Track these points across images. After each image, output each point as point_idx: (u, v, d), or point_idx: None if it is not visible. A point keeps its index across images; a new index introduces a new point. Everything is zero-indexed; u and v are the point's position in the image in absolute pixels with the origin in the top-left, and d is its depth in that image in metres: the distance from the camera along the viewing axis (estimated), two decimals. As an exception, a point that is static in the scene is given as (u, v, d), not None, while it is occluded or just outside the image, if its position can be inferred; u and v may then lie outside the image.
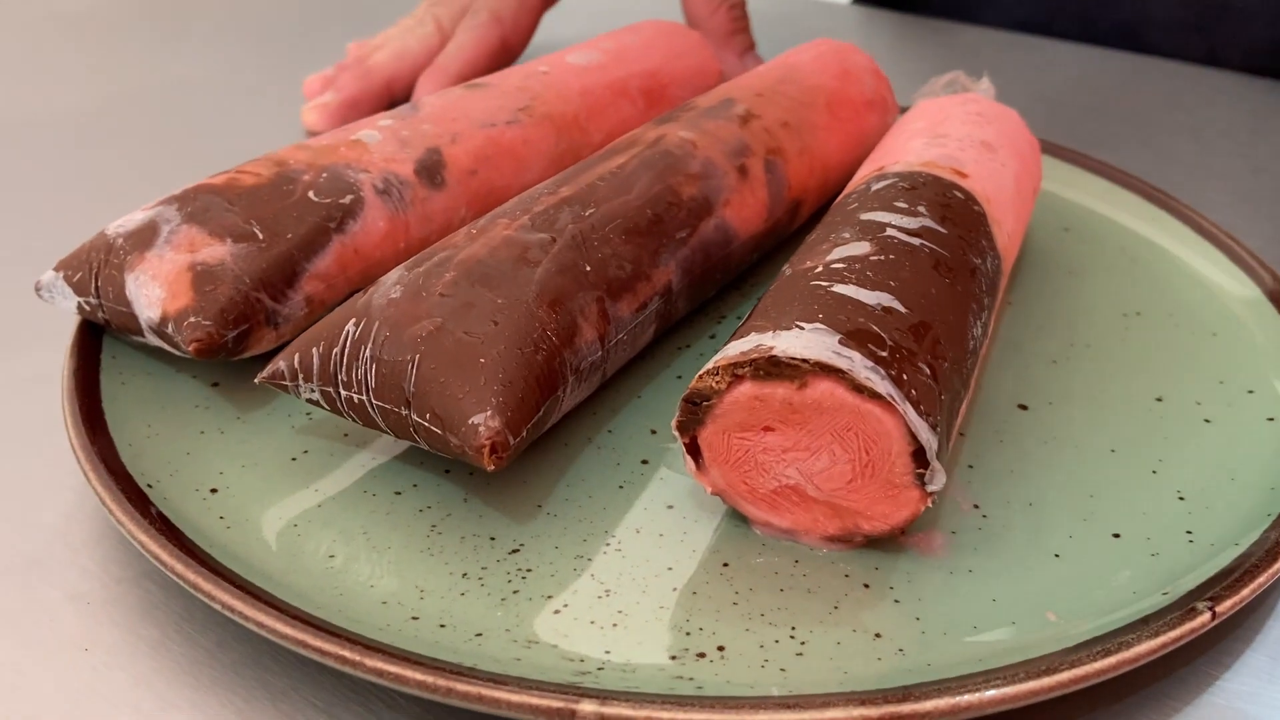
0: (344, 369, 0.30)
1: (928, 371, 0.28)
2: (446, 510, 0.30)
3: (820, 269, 0.31)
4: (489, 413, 0.28)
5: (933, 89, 0.47)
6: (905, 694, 0.24)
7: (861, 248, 0.32)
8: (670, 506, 0.31)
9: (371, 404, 0.30)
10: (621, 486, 0.31)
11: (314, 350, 0.30)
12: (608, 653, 0.26)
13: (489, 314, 0.30)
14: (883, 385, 0.27)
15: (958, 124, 0.40)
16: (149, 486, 0.30)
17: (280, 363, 0.31)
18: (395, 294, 0.30)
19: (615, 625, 0.27)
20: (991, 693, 0.24)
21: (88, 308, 0.34)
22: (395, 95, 0.57)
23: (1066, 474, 0.32)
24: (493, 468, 0.28)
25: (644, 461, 0.32)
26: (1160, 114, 0.62)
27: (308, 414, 0.34)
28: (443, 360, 0.29)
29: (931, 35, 0.73)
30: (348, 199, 0.36)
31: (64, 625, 0.29)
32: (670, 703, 0.24)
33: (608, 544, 0.29)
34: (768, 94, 0.43)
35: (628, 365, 0.36)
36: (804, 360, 0.27)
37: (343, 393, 0.30)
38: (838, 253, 0.32)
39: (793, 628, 0.27)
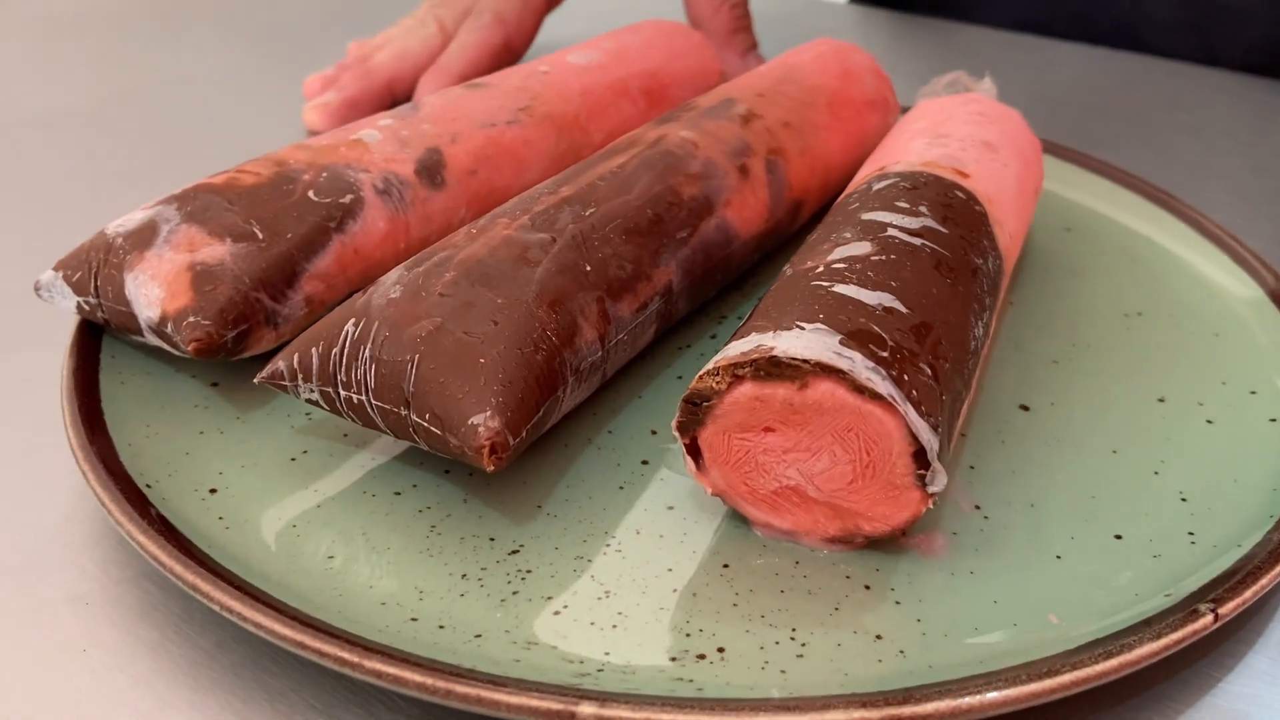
0: (343, 369, 0.30)
1: (929, 372, 0.28)
2: (446, 511, 0.30)
3: (821, 269, 0.31)
4: (488, 413, 0.28)
5: (934, 89, 0.46)
6: (906, 696, 0.24)
7: (862, 248, 0.32)
8: (670, 507, 0.31)
9: (371, 404, 0.30)
10: (622, 487, 0.31)
11: (313, 350, 0.30)
12: (607, 654, 0.26)
13: (489, 314, 0.30)
14: (884, 386, 0.27)
15: (959, 124, 0.40)
16: (148, 487, 0.30)
17: (279, 363, 0.31)
18: (395, 294, 0.30)
19: (615, 626, 0.27)
20: (993, 695, 0.24)
21: (87, 307, 0.34)
22: (397, 95, 0.57)
23: (1068, 475, 0.32)
24: (492, 468, 0.28)
25: (644, 462, 0.32)
26: (1161, 114, 0.61)
27: (307, 414, 0.34)
28: (442, 360, 0.29)
29: (932, 35, 0.72)
30: (348, 199, 0.36)
31: (63, 626, 0.28)
32: (670, 705, 0.24)
33: (608, 545, 0.29)
34: (769, 94, 0.43)
35: (628, 365, 0.36)
36: (805, 361, 0.27)
37: (342, 393, 0.30)
38: (839, 253, 0.32)
39: (793, 629, 0.27)
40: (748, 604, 0.28)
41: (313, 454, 0.32)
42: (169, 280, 0.33)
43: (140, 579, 0.30)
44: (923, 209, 0.34)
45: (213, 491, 0.30)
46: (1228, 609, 0.26)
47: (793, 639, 0.27)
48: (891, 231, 0.32)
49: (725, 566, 0.29)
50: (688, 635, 0.27)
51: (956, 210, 0.34)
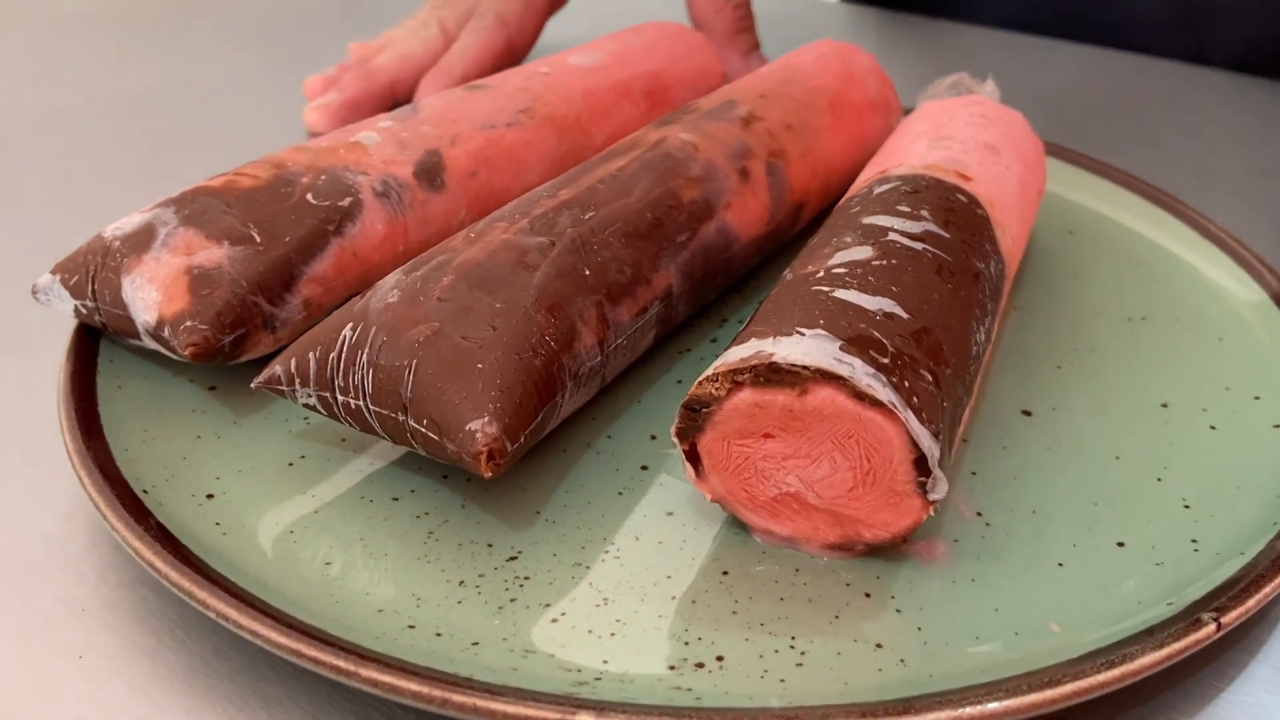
0: (341, 374, 0.30)
1: (930, 378, 0.28)
2: (444, 516, 0.30)
3: (821, 274, 0.31)
4: (486, 419, 0.28)
5: (937, 90, 0.46)
6: (906, 706, 0.24)
7: (863, 252, 0.31)
8: (670, 513, 0.30)
9: (368, 409, 0.29)
10: (621, 493, 0.31)
11: (311, 355, 0.30)
12: (605, 662, 0.26)
13: (487, 318, 0.30)
14: (884, 392, 0.26)
15: (961, 126, 0.40)
16: (144, 492, 0.30)
17: (277, 367, 0.31)
18: (392, 298, 0.30)
19: (613, 634, 0.27)
20: (994, 705, 0.24)
21: (84, 311, 0.34)
22: (398, 97, 0.57)
23: (1070, 481, 0.32)
24: (490, 474, 0.27)
25: (644, 467, 0.32)
26: (1163, 115, 0.61)
27: (305, 419, 0.33)
28: (440, 365, 0.28)
29: (931, 36, 0.72)
30: (346, 201, 0.36)
31: (58, 631, 0.28)
32: (668, 714, 0.24)
33: (606, 551, 0.29)
34: (770, 95, 0.42)
35: (628, 369, 0.36)
36: (804, 367, 0.27)
37: (339, 398, 0.30)
38: (839, 257, 0.31)
39: (793, 637, 0.27)
40: (747, 611, 0.27)
41: (310, 459, 0.32)
42: (166, 284, 0.33)
43: (136, 584, 0.30)
44: (924, 213, 0.33)
45: (209, 497, 0.30)
46: (1230, 618, 0.26)
47: (792, 647, 0.26)
48: (893, 236, 0.32)
49: (725, 573, 0.29)
50: (686, 643, 0.26)
51: (958, 214, 0.34)
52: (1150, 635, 0.26)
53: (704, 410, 0.28)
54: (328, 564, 0.28)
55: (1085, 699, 0.24)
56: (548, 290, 0.31)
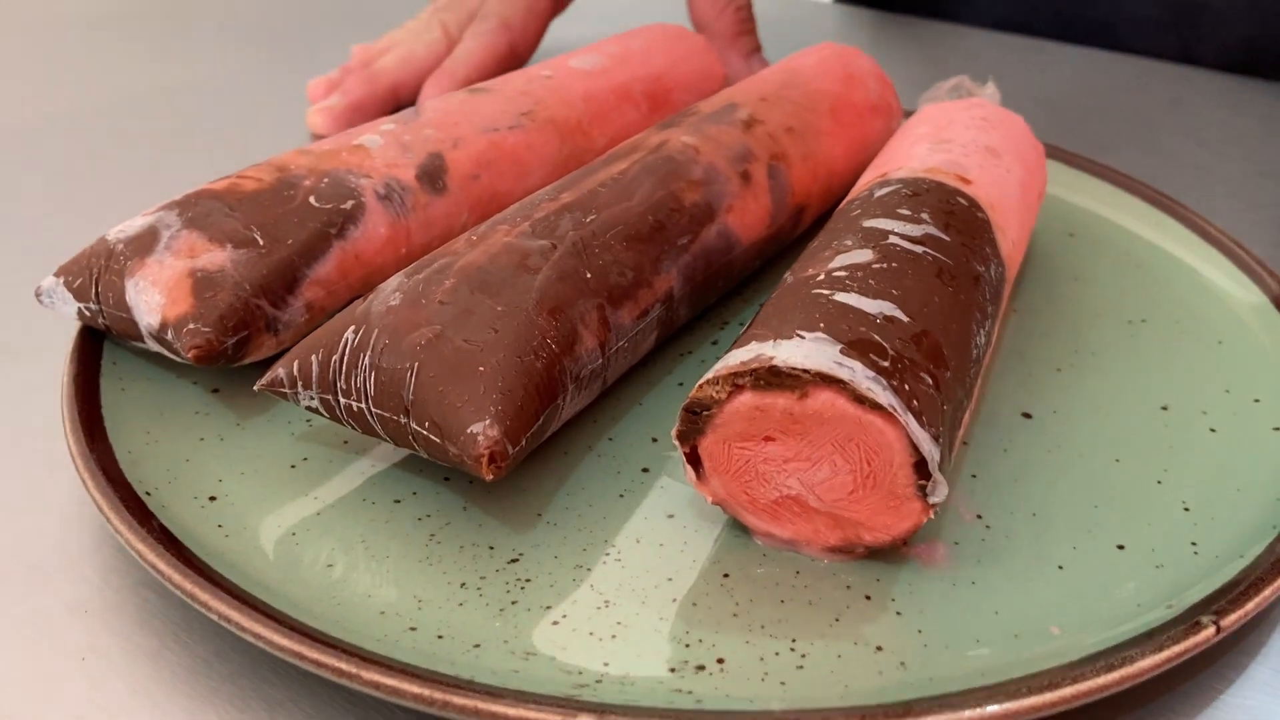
0: (343, 377, 0.30)
1: (930, 381, 0.28)
2: (446, 519, 0.30)
3: (822, 277, 0.31)
4: (488, 422, 0.28)
5: (937, 93, 0.46)
6: (907, 709, 0.24)
7: (864, 255, 0.31)
8: (671, 515, 0.31)
9: (370, 412, 0.29)
10: (622, 495, 0.31)
11: (313, 358, 0.30)
12: (606, 665, 0.26)
13: (488, 321, 0.30)
14: (884, 396, 0.27)
15: (962, 129, 0.40)
16: (147, 494, 0.30)
17: (279, 370, 0.31)
18: (394, 301, 0.30)
19: (614, 637, 0.27)
20: (993, 708, 0.24)
21: (88, 313, 0.34)
22: (401, 100, 0.57)
23: (1070, 484, 0.32)
24: (491, 477, 0.28)
25: (644, 470, 0.32)
26: (1163, 117, 0.61)
27: (308, 421, 0.33)
28: (442, 368, 0.29)
29: (932, 38, 0.72)
30: (349, 204, 0.36)
31: (60, 633, 0.28)
32: (669, 716, 0.24)
33: (607, 554, 0.29)
34: (771, 99, 0.42)
35: (629, 372, 0.36)
36: (805, 370, 0.27)
37: (342, 400, 0.30)
38: (840, 260, 0.31)
39: (793, 640, 0.27)
40: (748, 614, 0.27)
41: (313, 461, 0.32)
42: (169, 287, 0.33)
43: (139, 586, 0.30)
44: (925, 216, 0.33)
45: (212, 499, 0.30)
46: (1230, 621, 0.26)
47: (793, 650, 0.26)
48: (893, 239, 0.32)
49: (725, 576, 0.29)
50: (687, 646, 0.27)
51: (959, 217, 0.34)
52: (1150, 638, 0.26)
53: (705, 413, 0.28)
54: (330, 566, 0.28)
55: (1085, 702, 0.24)
56: (549, 293, 0.31)
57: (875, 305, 0.29)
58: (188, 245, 0.33)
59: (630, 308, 0.33)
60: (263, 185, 0.36)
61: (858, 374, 0.27)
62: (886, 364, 0.27)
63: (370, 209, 0.36)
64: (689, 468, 0.29)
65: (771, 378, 0.27)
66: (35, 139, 0.56)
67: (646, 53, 0.49)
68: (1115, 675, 0.25)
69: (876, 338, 0.28)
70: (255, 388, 0.31)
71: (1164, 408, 0.35)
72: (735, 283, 0.39)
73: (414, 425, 0.29)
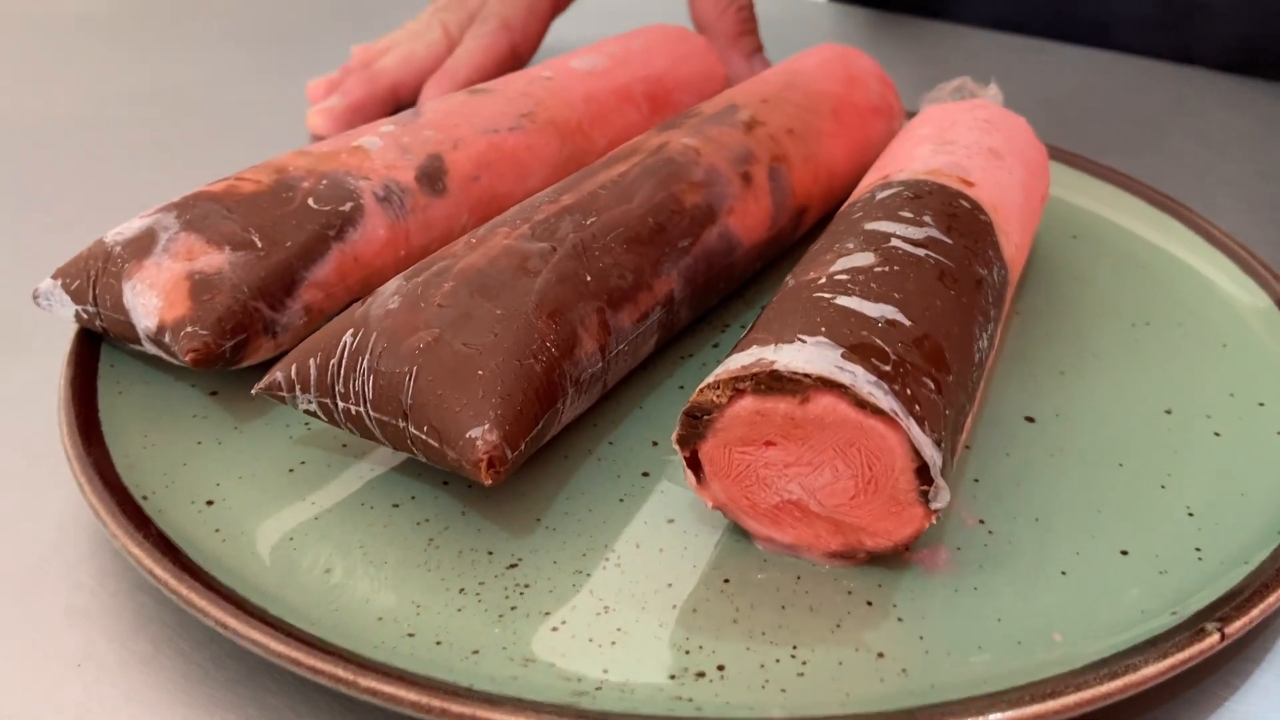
0: (341, 380, 0.29)
1: (932, 386, 0.28)
2: (444, 523, 0.30)
3: (823, 280, 0.31)
4: (486, 426, 0.28)
5: (940, 95, 0.46)
6: (908, 717, 0.24)
7: (865, 258, 0.31)
8: (671, 520, 0.30)
9: (369, 416, 0.29)
10: (622, 499, 0.31)
11: (311, 361, 0.30)
12: (606, 672, 0.26)
13: (488, 325, 0.29)
14: (886, 401, 0.26)
15: (964, 131, 0.40)
16: (144, 499, 0.30)
17: (277, 373, 0.31)
18: (393, 304, 0.30)
19: (614, 643, 0.27)
20: (995, 716, 0.23)
21: (85, 316, 0.34)
22: (401, 100, 0.57)
23: (1073, 488, 0.32)
24: (490, 482, 0.27)
25: (645, 474, 0.32)
26: (1166, 119, 0.61)
27: (306, 424, 0.33)
28: (440, 372, 0.28)
29: (932, 39, 0.72)
30: (348, 206, 0.36)
31: (58, 639, 0.28)
32: (668, 724, 0.23)
33: (607, 559, 0.29)
34: (773, 100, 0.42)
35: (629, 375, 0.36)
36: (806, 375, 0.27)
37: (340, 404, 0.30)
38: (841, 263, 0.31)
39: (794, 647, 0.26)
40: (748, 620, 0.27)
41: (311, 465, 0.32)
42: (167, 289, 0.32)
43: (136, 591, 0.30)
44: (927, 219, 0.33)
45: (209, 503, 0.30)
46: (1234, 628, 0.26)
47: (793, 656, 0.26)
48: (895, 242, 0.32)
49: (726, 581, 0.28)
50: (687, 652, 0.26)
51: (961, 220, 0.34)
52: (1154, 645, 0.26)
53: (705, 417, 0.28)
54: (327, 571, 0.28)
55: (1088, 710, 0.24)
56: (549, 296, 0.31)
57: (877, 309, 0.29)
58: (186, 248, 0.33)
59: (630, 310, 0.33)
60: (261, 187, 0.36)
61: (859, 378, 0.27)
62: (888, 368, 0.27)
63: (369, 211, 0.36)
64: (689, 472, 0.29)
65: (773, 382, 0.27)
66: (33, 140, 0.56)
67: (647, 53, 0.49)
68: (1119, 683, 0.24)
69: (878, 342, 0.28)
70: (253, 391, 0.31)
71: (1168, 411, 0.35)
72: (736, 285, 0.39)
73: (412, 429, 0.29)
